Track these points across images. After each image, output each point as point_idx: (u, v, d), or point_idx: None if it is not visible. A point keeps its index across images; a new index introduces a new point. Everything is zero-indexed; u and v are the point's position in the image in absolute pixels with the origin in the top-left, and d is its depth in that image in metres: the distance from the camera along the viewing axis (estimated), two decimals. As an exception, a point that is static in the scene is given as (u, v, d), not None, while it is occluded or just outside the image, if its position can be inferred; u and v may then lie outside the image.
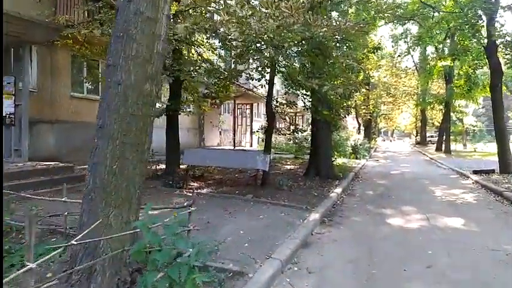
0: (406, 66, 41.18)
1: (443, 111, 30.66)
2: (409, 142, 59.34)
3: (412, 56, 41.61)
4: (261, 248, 4.40)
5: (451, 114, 27.80)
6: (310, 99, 9.09)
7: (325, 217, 6.67)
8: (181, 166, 9.52)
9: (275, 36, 5.34)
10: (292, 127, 9.76)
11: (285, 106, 9.58)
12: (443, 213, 7.20)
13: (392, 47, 37.86)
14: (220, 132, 21.81)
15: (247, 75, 8.80)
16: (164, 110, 9.38)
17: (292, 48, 6.59)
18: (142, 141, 2.98)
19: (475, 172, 12.78)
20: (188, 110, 12.17)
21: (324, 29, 5.07)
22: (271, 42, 5.56)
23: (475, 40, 13.11)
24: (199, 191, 7.98)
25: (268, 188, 8.49)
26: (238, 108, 22.13)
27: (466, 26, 12.53)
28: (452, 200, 8.60)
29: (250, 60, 7.66)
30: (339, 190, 9.18)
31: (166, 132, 9.47)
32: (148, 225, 2.61)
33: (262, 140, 21.04)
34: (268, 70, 8.35)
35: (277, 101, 9.47)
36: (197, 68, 8.46)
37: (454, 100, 26.08)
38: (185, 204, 3.72)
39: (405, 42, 38.66)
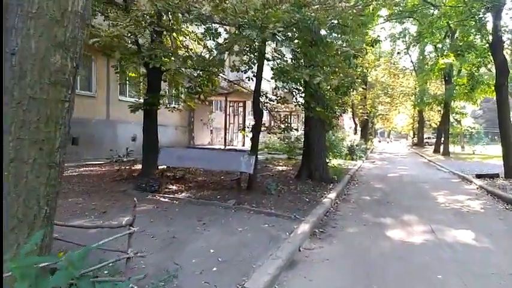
0: (404, 66, 40.57)
1: (442, 112, 29.96)
2: (405, 143, 58.73)
3: (410, 56, 41.10)
4: (233, 273, 3.54)
5: (450, 115, 27.02)
6: (303, 95, 8.24)
7: (317, 228, 5.82)
8: (160, 167, 8.63)
9: (258, 16, 4.51)
10: (283, 125, 8.89)
11: (276, 102, 8.73)
12: (450, 224, 6.37)
13: (391, 46, 37.28)
14: (211, 130, 20.92)
15: (232, 67, 7.95)
16: (141, 105, 8.49)
17: (281, 34, 5.75)
18: (50, 137, 2.11)
19: (479, 176, 11.99)
20: (173, 105, 11.27)
21: (317, 6, 4.24)
22: (255, 23, 4.72)
23: (480, 36, 12.31)
24: (176, 195, 7.10)
25: (255, 193, 7.63)
26: (230, 106, 21.25)
27: (471, 20, 11.73)
28: (457, 208, 7.77)
29: (236, 48, 6.80)
30: (333, 195, 8.34)
31: (143, 129, 8.58)
32: (30, 266, 1.70)
33: (243, 139, 20.20)
34: (256, 63, 7.52)
35: (266, 97, 8.62)
36: (179, 58, 7.57)
37: (453, 101, 25.35)
38: (123, 223, 2.83)
39: (403, 41, 38.12)
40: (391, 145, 53.96)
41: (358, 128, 34.20)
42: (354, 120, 33.20)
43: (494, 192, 9.24)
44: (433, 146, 41.97)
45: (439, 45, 25.80)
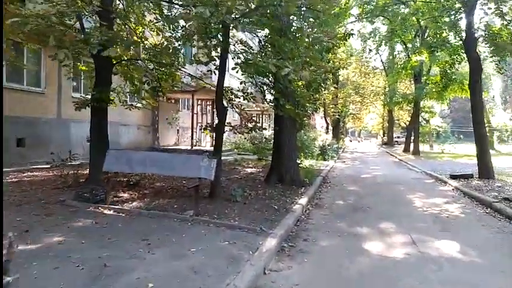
0: (374, 66, 40.83)
1: (412, 111, 30.16)
2: (375, 143, 59.48)
3: (380, 55, 41.45)
4: (174, 318, 2.70)
5: (419, 114, 27.15)
6: (272, 92, 7.48)
7: (286, 241, 5.08)
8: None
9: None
10: (250, 124, 8.10)
11: (242, 99, 7.92)
12: (431, 233, 5.78)
13: (361, 45, 37.35)
14: (178, 130, 19.86)
15: (192, 59, 7.09)
16: (88, 101, 7.46)
17: (244, 19, 4.96)
18: None
19: (453, 177, 11.66)
20: (131, 103, 10.23)
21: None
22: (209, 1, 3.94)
23: (453, 33, 11.99)
24: (124, 206, 6.15)
25: (218, 201, 6.79)
26: (198, 105, 20.27)
27: (445, 16, 11.37)
28: (436, 213, 7.24)
29: (195, 38, 5.95)
30: (304, 200, 7.64)
31: (90, 129, 7.54)
32: None
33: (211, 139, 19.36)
34: (219, 54, 6.69)
35: (231, 93, 7.80)
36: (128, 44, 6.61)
37: (424, 100, 25.44)
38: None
39: (374, 41, 38.30)
40: (361, 144, 54.43)
41: (330, 128, 34.01)
42: (326, 120, 32.95)
43: (472, 195, 8.83)
44: (403, 145, 42.62)
45: (409, 45, 25.87)
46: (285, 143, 9.36)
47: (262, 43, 6.60)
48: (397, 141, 45.73)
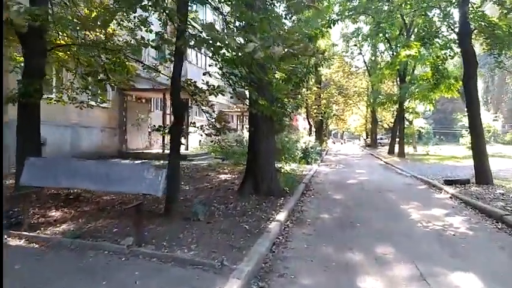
0: (357, 66, 40.08)
1: (396, 112, 29.37)
2: (358, 144, 58.92)
3: (363, 56, 40.76)
4: None
5: (404, 115, 26.32)
6: (242, 83, 6.17)
7: (256, 280, 3.78)
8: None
9: None
10: (218, 125, 6.77)
11: (207, 94, 6.58)
12: (440, 261, 4.56)
13: (343, 47, 36.51)
14: (150, 132, 18.31)
15: (141, 41, 5.74)
16: (15, 96, 5.99)
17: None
18: None
19: (448, 182, 10.58)
20: (80, 101, 8.73)
21: None
22: None
23: (446, 24, 10.96)
24: (47, 231, 4.72)
25: (173, 221, 5.41)
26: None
27: (435, 7, 10.32)
28: (439, 230, 6.05)
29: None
30: (283, 215, 6.37)
31: (17, 132, 6.06)
32: None
33: (187, 142, 17.91)
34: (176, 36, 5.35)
35: (195, 86, 6.45)
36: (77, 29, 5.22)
37: (409, 100, 24.63)
38: None
39: (357, 41, 37.59)
40: (345, 146, 53.72)
41: (313, 129, 32.94)
42: (309, 121, 31.87)
43: (475, 205, 7.70)
44: (386, 147, 41.94)
45: (394, 43, 25.05)
46: (261, 146, 8.06)
47: (227, 19, 5.33)
48: (380, 143, 45.12)
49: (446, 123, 69.01)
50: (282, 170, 12.98)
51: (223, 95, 6.48)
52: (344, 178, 13.32)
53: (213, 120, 6.77)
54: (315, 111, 29.21)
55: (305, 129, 31.82)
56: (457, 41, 11.15)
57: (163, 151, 16.02)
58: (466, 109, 10.76)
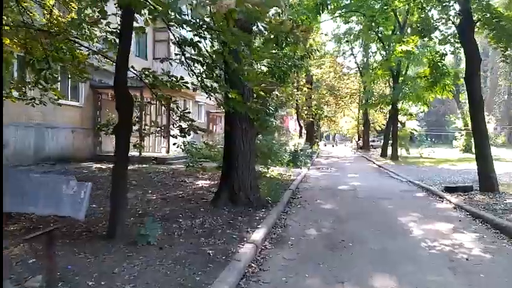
0: (348, 67, 39.28)
1: (389, 114, 28.49)
2: (350, 146, 58.08)
3: (355, 57, 39.96)
4: None
5: (398, 117, 25.39)
6: (202, 69, 5.03)
7: None
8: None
9: None
10: (184, 124, 5.64)
11: (167, 85, 5.43)
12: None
13: (334, 47, 35.70)
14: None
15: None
16: None
17: None
18: None
19: (449, 190, 9.57)
20: (33, 96, 7.52)
21: None
22: None
23: (445, 16, 9.97)
24: None
25: (115, 247, 4.25)
26: (152, 104, 17.57)
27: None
28: (449, 252, 4.99)
29: None
30: (260, 233, 5.26)
31: None
32: None
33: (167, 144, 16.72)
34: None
35: (154, 77, 5.30)
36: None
37: (402, 101, 23.73)
38: None
39: (348, 40, 36.74)
40: (337, 148, 52.75)
41: (304, 131, 31.95)
42: (299, 123, 30.84)
43: (485, 218, 6.65)
44: (378, 149, 41.07)
45: (386, 44, 24.18)
46: (239, 150, 6.94)
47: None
48: (372, 145, 44.25)
49: (438, 126, 68.65)
50: (268, 175, 11.92)
51: (188, 87, 5.35)
52: (335, 183, 12.25)
53: (177, 119, 5.63)
54: (306, 112, 28.19)
55: (295, 130, 30.80)
56: (457, 35, 10.17)
57: (140, 154, 14.83)
58: (468, 109, 9.77)
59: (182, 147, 10.65)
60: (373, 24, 14.52)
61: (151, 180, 9.73)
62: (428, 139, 52.25)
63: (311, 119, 29.18)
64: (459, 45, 10.43)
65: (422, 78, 13.53)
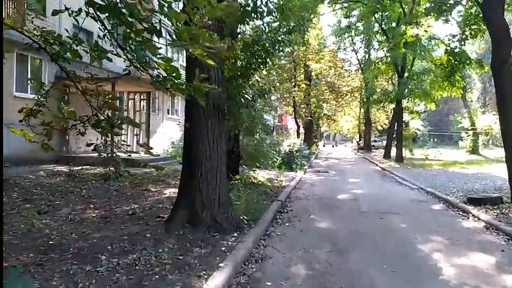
0: (349, 61, 37.51)
1: (393, 111, 26.71)
2: (351, 147, 56.25)
3: (356, 53, 38.17)
4: None
5: (403, 116, 23.56)
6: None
7: None
8: None
9: None
10: (102, 116, 3.85)
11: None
12: None
13: (335, 42, 33.98)
14: (103, 132, 15.27)
15: None
16: None
17: None
18: None
19: (473, 201, 7.80)
20: None
21: None
22: None
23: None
24: None
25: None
26: (130, 99, 15.80)
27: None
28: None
29: None
30: (220, 279, 3.48)
31: None
32: None
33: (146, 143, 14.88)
34: None
35: (60, 44, 3.52)
36: None
37: (408, 98, 21.98)
38: None
39: (349, 36, 35.10)
40: (336, 149, 50.91)
41: (302, 131, 30.14)
42: (296, 122, 29.03)
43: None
44: (380, 150, 39.24)
45: (390, 36, 22.38)
46: (202, 154, 5.15)
47: None
48: (374, 146, 42.45)
49: (441, 125, 66.70)
50: (255, 181, 10.14)
51: (110, 59, 3.54)
52: (334, 191, 10.46)
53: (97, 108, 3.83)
54: (304, 110, 26.38)
55: (291, 129, 28.99)
56: (481, 13, 8.37)
57: (111, 154, 13.00)
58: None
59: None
60: (377, 6, 12.70)
61: (107, 190, 7.93)
62: (432, 139, 50.50)
63: (309, 118, 27.35)
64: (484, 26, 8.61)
65: (438, 66, 11.52)
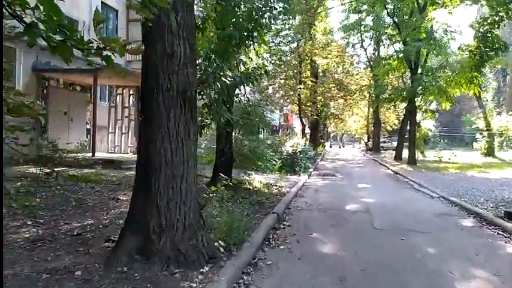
0: (358, 55, 36.03)
1: (405, 110, 25.14)
2: (358, 148, 54.56)
3: (365, 49, 36.64)
4: None
5: (416, 115, 21.95)
6: None
7: None
8: None
9: None
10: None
11: None
12: None
13: (343, 38, 32.59)
14: (89, 130, 13.99)
15: None
16: None
17: None
18: None
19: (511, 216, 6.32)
20: None
21: None
22: None
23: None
24: None
25: None
26: (118, 94, 14.52)
27: None
28: None
29: None
30: None
31: None
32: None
33: (137, 144, 13.65)
34: None
35: None
36: None
37: (422, 97, 20.46)
38: None
39: (358, 32, 33.80)
40: (344, 150, 49.23)
41: (308, 131, 28.64)
42: (302, 121, 27.57)
43: None
44: (390, 151, 37.61)
45: (402, 28, 20.86)
46: (161, 157, 3.76)
47: None
48: (383, 147, 40.82)
49: (452, 126, 64.61)
50: (250, 187, 8.76)
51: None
52: (342, 199, 9.01)
53: None
54: (310, 109, 24.90)
55: (296, 128, 27.52)
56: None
57: (93, 155, 11.71)
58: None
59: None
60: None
61: (66, 199, 6.59)
62: (444, 141, 48.69)
63: (315, 117, 25.84)
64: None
65: (471, 51, 9.87)
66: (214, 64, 4.06)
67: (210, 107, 4.30)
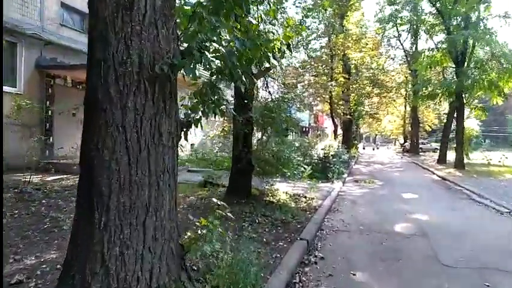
0: (395, 55, 33.75)
1: (449, 108, 22.78)
2: (394, 149, 51.60)
3: (402, 43, 34.29)
4: None
5: (463, 112, 19.56)
6: None
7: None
8: None
9: None
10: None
11: None
12: None
13: (378, 31, 30.40)
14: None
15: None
16: None
17: None
18: None
19: None
20: None
21: None
22: None
23: None
24: None
25: None
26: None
27: None
28: None
29: None
30: None
31: None
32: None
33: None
34: None
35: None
36: None
37: (471, 92, 18.20)
38: None
39: (394, 25, 31.71)
40: (378, 152, 46.51)
41: (340, 132, 26.67)
42: (334, 121, 25.65)
43: None
44: (430, 153, 34.93)
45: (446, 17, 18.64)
46: (111, 170, 2.26)
47: None
48: (421, 148, 38.09)
49: (495, 125, 60.35)
50: (274, 200, 7.23)
51: None
52: (387, 216, 7.23)
53: None
54: (342, 107, 22.99)
55: (326, 128, 25.65)
56: None
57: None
58: None
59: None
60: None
61: (41, 218, 5.28)
62: (487, 141, 45.02)
63: (348, 117, 23.86)
64: None
65: None
66: (208, 27, 2.53)
67: (205, 95, 2.79)
